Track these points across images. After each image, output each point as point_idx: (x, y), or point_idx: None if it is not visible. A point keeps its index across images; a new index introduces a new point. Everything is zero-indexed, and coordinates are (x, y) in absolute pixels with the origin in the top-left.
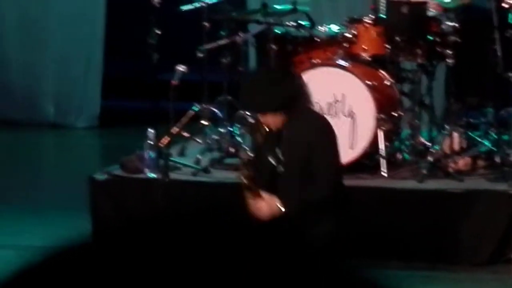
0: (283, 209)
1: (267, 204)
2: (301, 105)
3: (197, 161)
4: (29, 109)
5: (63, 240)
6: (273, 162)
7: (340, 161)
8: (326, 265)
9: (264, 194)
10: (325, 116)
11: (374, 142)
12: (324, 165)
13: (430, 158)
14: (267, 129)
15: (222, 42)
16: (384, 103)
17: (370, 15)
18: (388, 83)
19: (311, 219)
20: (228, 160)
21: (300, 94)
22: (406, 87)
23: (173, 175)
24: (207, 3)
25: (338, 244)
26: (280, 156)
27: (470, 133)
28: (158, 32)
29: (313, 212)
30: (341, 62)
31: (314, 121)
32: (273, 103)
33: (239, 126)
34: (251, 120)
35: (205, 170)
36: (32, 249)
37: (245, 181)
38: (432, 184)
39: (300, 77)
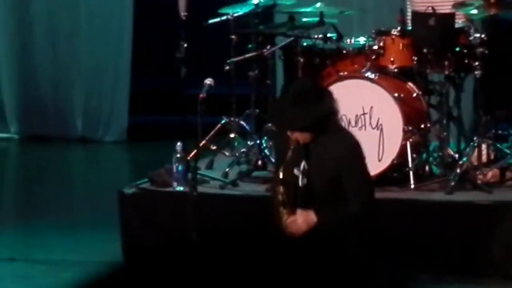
0: (318, 224)
1: (303, 219)
2: (331, 123)
3: (225, 174)
4: (59, 123)
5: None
6: (298, 176)
7: (370, 176)
8: (358, 277)
9: (299, 210)
10: (353, 128)
11: (402, 154)
12: (354, 183)
13: (458, 170)
14: (296, 144)
15: (250, 55)
16: (412, 115)
17: (397, 27)
18: (416, 95)
19: (343, 234)
20: (256, 173)
21: (332, 113)
22: (434, 99)
23: (201, 189)
24: (234, 17)
25: (369, 257)
26: (306, 169)
27: (498, 145)
28: (185, 45)
29: (345, 227)
30: (369, 74)
31: (343, 140)
32: (303, 122)
33: (267, 139)
34: (280, 137)
35: (233, 183)
36: (64, 264)
37: (280, 198)
38: (460, 196)
39: (331, 95)
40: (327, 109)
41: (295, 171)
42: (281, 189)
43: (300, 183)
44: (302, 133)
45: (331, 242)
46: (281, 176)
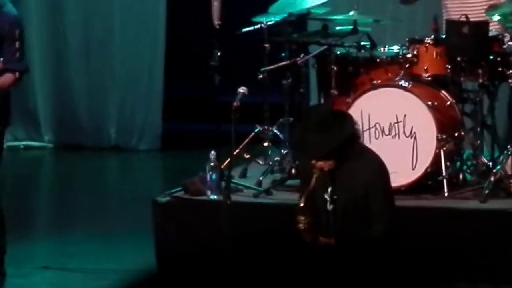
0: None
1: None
2: (354, 147)
3: (259, 183)
4: (93, 132)
5: (128, 263)
6: (327, 201)
7: (394, 197)
8: None
9: (322, 238)
10: (386, 136)
11: (436, 162)
12: (381, 205)
13: (492, 178)
14: (320, 172)
15: (283, 63)
16: (446, 123)
17: (430, 35)
18: (450, 103)
19: (366, 256)
20: (290, 182)
21: (354, 138)
22: (468, 107)
23: (235, 197)
24: (267, 25)
25: (395, 277)
26: (334, 195)
27: None
28: (219, 54)
29: (370, 251)
30: (402, 82)
31: (368, 162)
32: (327, 149)
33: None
34: (303, 165)
35: (267, 192)
36: (99, 272)
37: (302, 227)
38: (494, 204)
39: (352, 119)
40: (350, 134)
41: (325, 196)
42: (302, 218)
43: (328, 208)
44: (326, 161)
45: (355, 260)
46: (302, 205)
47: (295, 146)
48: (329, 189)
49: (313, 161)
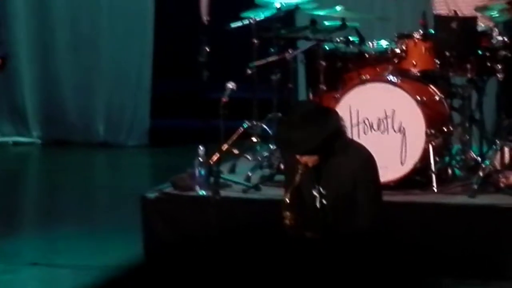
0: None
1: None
2: (338, 142)
3: (248, 178)
4: (81, 128)
5: (117, 259)
6: (314, 198)
7: (381, 189)
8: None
9: (308, 234)
10: (375, 132)
11: (425, 157)
12: (368, 198)
13: (481, 173)
14: (305, 168)
15: (272, 59)
16: (434, 118)
17: (419, 31)
18: (438, 98)
19: (355, 250)
20: (278, 177)
21: (338, 133)
22: (456, 102)
23: (224, 193)
24: (256, 20)
25: (382, 272)
26: (322, 191)
27: None
28: (208, 49)
29: (358, 243)
30: (391, 77)
31: (355, 155)
32: (312, 144)
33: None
34: (287, 160)
35: (256, 187)
36: (87, 268)
37: (287, 223)
38: (483, 199)
39: (337, 114)
40: (334, 129)
41: (314, 192)
42: (287, 214)
43: (317, 206)
44: (311, 156)
45: (344, 252)
46: (287, 201)
47: (280, 142)
48: (316, 186)
49: (298, 157)
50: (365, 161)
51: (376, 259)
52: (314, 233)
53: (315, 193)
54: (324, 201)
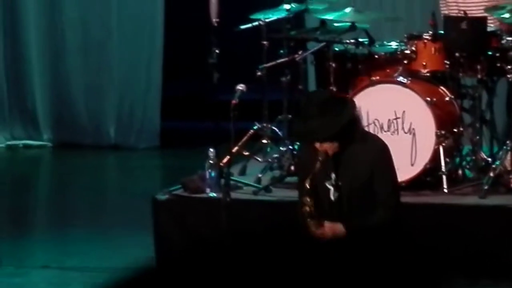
0: (347, 234)
1: (331, 232)
2: (356, 130)
3: (258, 180)
4: (91, 131)
5: (127, 261)
6: (330, 187)
7: (398, 181)
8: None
9: (327, 223)
10: (385, 133)
11: (435, 158)
12: (386, 188)
13: (491, 174)
14: (325, 156)
15: (282, 60)
16: (445, 119)
17: (429, 31)
18: (448, 99)
19: (373, 241)
20: (289, 179)
21: (355, 120)
22: (467, 103)
23: (234, 194)
24: (266, 22)
25: (399, 263)
26: (338, 181)
27: None
28: (217, 51)
29: (376, 234)
30: (401, 78)
31: (372, 145)
32: (332, 130)
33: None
34: (306, 149)
35: (266, 189)
36: (98, 271)
37: (307, 209)
38: (494, 200)
39: (353, 102)
40: (352, 116)
41: (327, 184)
42: (308, 200)
43: (332, 196)
44: (331, 143)
45: (360, 247)
46: (308, 187)
47: (299, 132)
48: (333, 176)
49: (317, 145)
50: (382, 150)
51: (396, 252)
52: (331, 221)
53: (328, 185)
54: (337, 193)
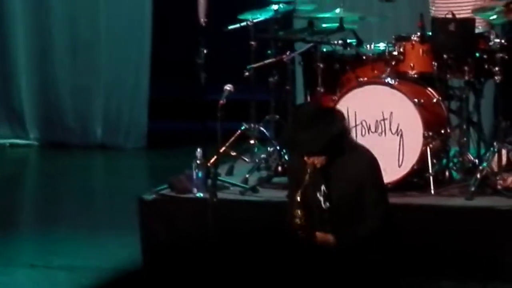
0: (337, 246)
1: (321, 242)
2: (345, 141)
3: (245, 180)
4: (78, 130)
5: (114, 261)
6: (320, 199)
7: (387, 191)
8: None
9: (319, 234)
10: (373, 134)
11: (422, 160)
12: (374, 199)
13: (478, 176)
14: (313, 169)
15: (269, 61)
16: (432, 120)
17: (417, 33)
18: (436, 101)
19: (363, 250)
20: (276, 179)
21: (344, 132)
22: (454, 105)
23: (221, 195)
24: (254, 22)
25: (390, 270)
26: (327, 193)
27: None
28: (205, 51)
29: (365, 244)
30: (389, 80)
31: (360, 156)
32: (319, 145)
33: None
34: (294, 161)
35: (253, 189)
36: (85, 270)
37: (299, 222)
38: (480, 202)
39: (342, 114)
40: (340, 129)
41: (318, 195)
42: (298, 212)
43: (323, 206)
44: (319, 156)
45: (351, 257)
46: (298, 200)
47: (287, 144)
48: (322, 187)
49: (305, 158)
50: (370, 162)
51: (385, 260)
52: (322, 233)
53: (319, 196)
54: (328, 204)
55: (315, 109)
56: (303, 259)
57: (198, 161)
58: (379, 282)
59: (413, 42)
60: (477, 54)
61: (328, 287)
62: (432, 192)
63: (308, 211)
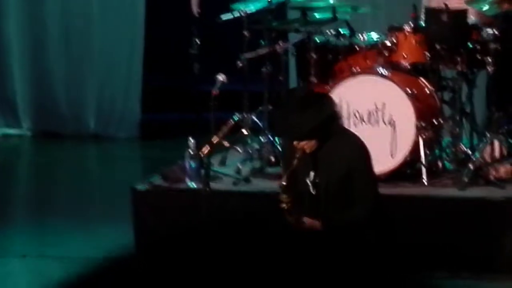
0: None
1: (309, 227)
2: (334, 127)
3: (238, 171)
4: (71, 120)
5: (107, 251)
6: (309, 184)
7: (376, 176)
8: (370, 277)
9: (306, 219)
10: (365, 124)
11: (415, 150)
12: (363, 184)
13: (471, 166)
14: (302, 153)
15: (262, 51)
16: (425, 111)
17: (410, 23)
18: (429, 91)
19: (353, 236)
20: (269, 170)
21: (333, 117)
22: (447, 95)
23: (214, 185)
24: (247, 13)
25: (380, 256)
26: (316, 178)
27: (511, 141)
28: (198, 42)
29: (355, 230)
30: (381, 70)
31: (349, 141)
32: (308, 129)
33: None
34: (285, 145)
35: (246, 180)
36: (77, 260)
37: (285, 206)
38: (473, 192)
39: (332, 99)
40: (329, 113)
41: (307, 180)
42: (284, 197)
43: (312, 191)
44: (309, 141)
45: (338, 240)
46: (284, 184)
47: (277, 128)
48: (311, 173)
49: (295, 142)
50: (359, 148)
51: (373, 249)
52: (311, 218)
53: (307, 181)
54: (316, 189)
55: (305, 93)
56: (291, 244)
57: (191, 151)
58: (367, 271)
59: (406, 33)
60: (470, 45)
61: (314, 272)
62: (425, 182)
63: (297, 196)
